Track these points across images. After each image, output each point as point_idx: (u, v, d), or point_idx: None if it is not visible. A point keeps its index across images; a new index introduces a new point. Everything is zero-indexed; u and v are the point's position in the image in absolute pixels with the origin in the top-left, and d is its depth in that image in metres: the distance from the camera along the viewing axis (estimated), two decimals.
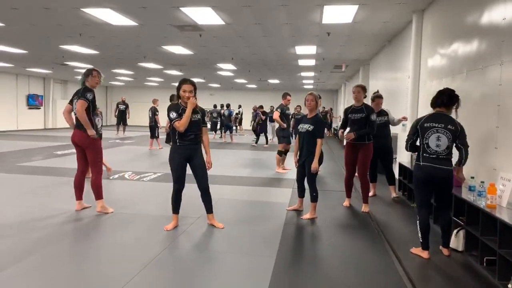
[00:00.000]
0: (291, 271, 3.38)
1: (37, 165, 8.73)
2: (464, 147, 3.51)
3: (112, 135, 17.21)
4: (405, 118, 6.38)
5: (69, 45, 10.79)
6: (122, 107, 17.29)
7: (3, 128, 19.22)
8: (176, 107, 4.20)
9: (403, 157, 6.89)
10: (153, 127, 12.19)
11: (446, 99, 3.56)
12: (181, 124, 4.09)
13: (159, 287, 3.05)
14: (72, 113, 4.99)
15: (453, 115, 3.60)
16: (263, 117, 15.04)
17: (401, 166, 6.24)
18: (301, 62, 13.34)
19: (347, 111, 5.42)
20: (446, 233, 3.70)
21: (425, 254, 3.61)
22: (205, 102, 22.84)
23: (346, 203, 5.56)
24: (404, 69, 7.61)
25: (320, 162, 4.76)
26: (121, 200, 5.59)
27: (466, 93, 4.32)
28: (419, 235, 3.64)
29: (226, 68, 15.48)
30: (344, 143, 5.94)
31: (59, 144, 13.08)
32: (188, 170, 4.29)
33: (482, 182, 3.49)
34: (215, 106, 18.24)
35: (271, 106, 16.84)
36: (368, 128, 5.14)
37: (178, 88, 4.19)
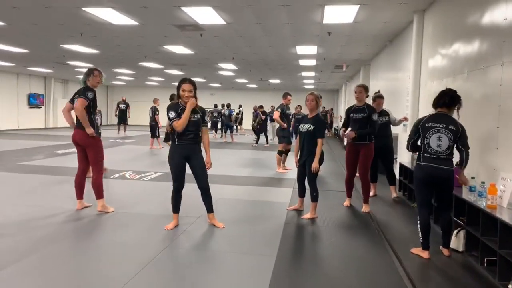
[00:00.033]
0: (292, 270, 3.39)
1: (38, 164, 8.74)
2: (465, 148, 3.50)
3: (113, 134, 17.22)
4: (406, 119, 6.38)
5: (70, 44, 10.80)
6: (122, 106, 17.29)
7: (4, 127, 19.24)
8: (176, 106, 4.20)
9: (403, 157, 6.89)
10: (154, 126, 12.20)
11: (448, 100, 3.56)
12: (179, 124, 4.09)
13: (159, 286, 3.05)
14: (72, 112, 4.99)
15: (454, 115, 3.60)
16: (263, 117, 15.04)
17: (401, 166, 6.24)
18: (302, 62, 13.34)
19: (348, 110, 5.41)
20: (446, 233, 3.70)
21: (425, 254, 3.61)
22: (206, 101, 22.86)
23: (346, 203, 5.56)
24: (405, 69, 7.61)
25: (320, 162, 4.76)
26: (121, 199, 5.60)
27: (467, 93, 4.32)
28: (420, 235, 3.64)
29: (227, 68, 15.48)
30: (345, 143, 5.94)
31: (60, 143, 13.09)
32: (188, 170, 4.29)
33: (483, 182, 3.49)
34: (215, 105, 18.24)
35: (272, 106, 16.84)
36: (370, 128, 5.14)
37: (178, 88, 4.19)
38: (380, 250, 3.88)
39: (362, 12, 6.90)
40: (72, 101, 4.94)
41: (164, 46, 10.83)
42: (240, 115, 20.24)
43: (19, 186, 6.45)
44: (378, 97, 6.11)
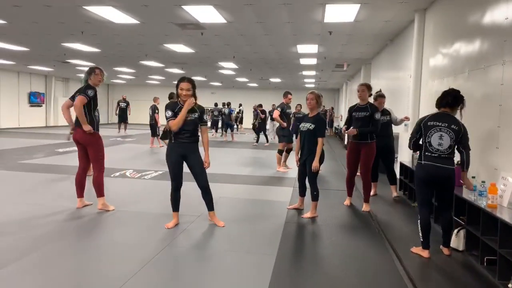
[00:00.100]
0: (292, 269, 3.39)
1: (38, 162, 8.75)
2: (465, 150, 3.50)
3: (114, 133, 17.23)
4: (407, 118, 6.38)
5: (71, 43, 10.80)
6: (123, 105, 17.30)
7: (5, 125, 19.26)
8: (174, 105, 4.20)
9: (404, 156, 6.89)
10: (154, 125, 12.21)
11: (451, 100, 3.56)
12: (174, 124, 4.10)
13: (159, 285, 3.06)
14: (72, 110, 4.99)
15: (457, 115, 3.59)
16: (263, 116, 15.03)
17: (402, 166, 6.24)
18: (303, 61, 13.33)
19: (351, 109, 5.41)
20: (447, 232, 3.71)
21: (425, 254, 3.61)
22: (207, 100, 22.84)
23: (347, 202, 5.56)
24: (406, 69, 7.60)
25: (321, 161, 4.76)
26: (122, 198, 5.60)
27: (468, 92, 4.30)
28: (420, 234, 3.64)
29: (228, 67, 15.48)
30: (346, 142, 5.94)
31: (60, 142, 13.10)
32: (187, 169, 4.29)
33: (483, 181, 3.49)
34: (216, 104, 18.23)
35: (273, 104, 16.83)
36: (372, 126, 5.13)
37: (177, 86, 4.19)
38: (380, 249, 3.88)
39: (363, 11, 6.89)
40: (73, 98, 4.94)
41: (164, 45, 10.83)
42: (240, 114, 20.23)
43: (20, 185, 6.46)
44: (380, 96, 6.10)
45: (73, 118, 4.93)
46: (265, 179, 7.50)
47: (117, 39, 10.11)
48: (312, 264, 3.50)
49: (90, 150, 4.86)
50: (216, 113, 17.51)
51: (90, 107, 4.81)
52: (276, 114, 8.26)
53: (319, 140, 4.73)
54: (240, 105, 20.22)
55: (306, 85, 23.16)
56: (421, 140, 3.68)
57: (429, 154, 3.55)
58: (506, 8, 3.82)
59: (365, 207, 5.28)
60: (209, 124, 19.12)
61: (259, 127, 15.03)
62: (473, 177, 3.79)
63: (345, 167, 5.76)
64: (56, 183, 6.61)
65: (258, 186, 6.84)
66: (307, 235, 4.37)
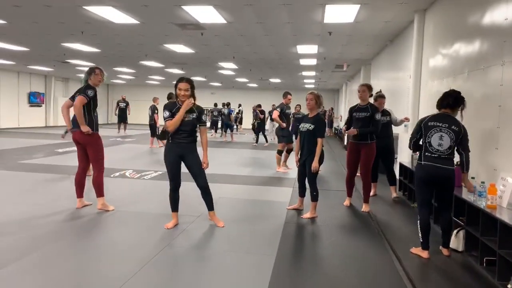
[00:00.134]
0: (291, 270, 3.39)
1: (38, 162, 8.75)
2: (465, 152, 3.51)
3: (113, 133, 17.23)
4: (407, 119, 6.38)
5: (70, 43, 10.80)
6: (122, 105, 17.30)
7: (5, 125, 19.25)
8: (172, 106, 4.21)
9: (403, 157, 6.89)
10: (153, 125, 12.22)
11: (451, 101, 3.57)
12: (170, 124, 4.11)
13: (159, 285, 3.06)
14: (71, 111, 4.99)
15: (458, 116, 3.60)
16: (262, 116, 15.02)
17: (401, 166, 6.24)
18: (303, 62, 13.33)
19: (352, 109, 5.41)
20: (446, 233, 3.71)
21: (425, 254, 3.61)
22: (206, 101, 22.82)
23: (346, 202, 5.56)
24: (406, 69, 7.61)
25: (320, 161, 4.76)
26: (121, 198, 5.60)
27: (467, 93, 4.30)
28: (420, 234, 3.64)
29: (228, 67, 15.48)
30: (345, 142, 5.94)
31: (60, 142, 13.09)
32: (187, 169, 4.29)
33: (483, 182, 3.49)
34: (215, 104, 18.23)
35: (273, 105, 16.83)
36: (372, 127, 5.13)
37: (175, 87, 4.20)
38: (380, 250, 3.88)
39: (363, 11, 6.90)
40: (73, 98, 4.94)
41: (164, 45, 10.83)
42: (240, 115, 20.23)
43: (20, 185, 6.45)
44: (380, 96, 6.10)
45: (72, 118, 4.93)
46: (264, 180, 7.50)
47: (117, 39, 10.12)
48: (312, 264, 3.50)
49: (90, 150, 4.86)
50: (215, 113, 17.51)
51: (90, 107, 4.81)
52: (275, 114, 8.26)
53: (319, 140, 4.73)
54: (240, 105, 20.22)
55: (306, 86, 23.17)
56: (421, 140, 3.69)
57: (429, 154, 3.56)
58: (506, 9, 3.82)
59: (364, 208, 5.28)
60: (208, 124, 19.14)
61: (258, 128, 15.03)
62: (473, 178, 3.79)
63: (345, 167, 5.77)
64: (55, 183, 6.61)
65: (258, 187, 6.84)
66: (306, 236, 4.37)
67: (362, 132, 5.15)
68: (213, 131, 18.15)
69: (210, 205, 4.45)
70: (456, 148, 3.54)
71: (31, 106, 21.03)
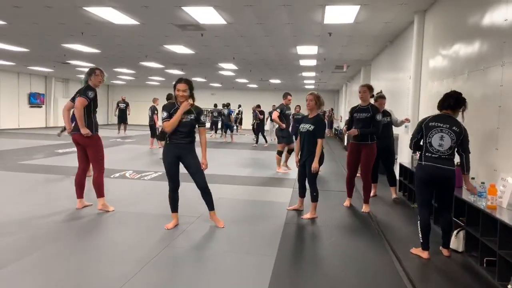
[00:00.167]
0: (291, 270, 3.39)
1: (38, 163, 8.75)
2: (465, 153, 3.51)
3: (113, 134, 17.23)
4: (407, 120, 6.37)
5: (71, 43, 10.81)
6: (122, 105, 17.31)
7: (5, 126, 19.25)
8: (170, 106, 4.22)
9: (403, 157, 6.89)
10: (153, 126, 12.23)
11: (453, 102, 3.58)
12: (167, 126, 4.12)
13: (159, 286, 3.06)
14: (71, 111, 4.99)
15: (459, 118, 3.60)
16: (261, 117, 15.03)
17: (401, 167, 6.24)
18: (303, 62, 13.34)
19: (353, 110, 5.41)
20: (446, 233, 3.71)
21: (425, 255, 3.61)
22: (206, 101, 22.82)
23: (346, 203, 5.56)
24: (406, 70, 7.61)
25: (320, 162, 4.77)
26: (122, 198, 5.60)
27: (467, 94, 4.30)
28: (420, 235, 3.64)
29: (228, 68, 15.49)
30: (345, 143, 5.94)
31: (60, 143, 13.09)
32: (186, 170, 4.29)
33: (483, 183, 3.49)
34: (215, 105, 18.24)
35: (273, 105, 16.84)
36: (373, 127, 5.13)
37: (174, 88, 4.20)
38: (380, 250, 3.88)
39: (363, 12, 6.90)
40: (73, 99, 4.94)
41: (164, 46, 10.84)
42: (240, 115, 20.23)
43: (20, 185, 6.46)
44: (380, 97, 6.09)
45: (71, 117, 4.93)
46: (264, 180, 7.50)
47: (117, 40, 10.12)
48: (312, 265, 3.50)
49: (90, 151, 4.86)
50: (215, 114, 17.52)
51: (90, 108, 4.81)
52: (275, 115, 8.26)
53: (319, 141, 4.73)
54: (239, 106, 20.22)
55: (306, 86, 23.17)
56: (422, 141, 3.69)
57: (430, 155, 3.56)
58: (506, 10, 3.83)
59: (364, 208, 5.28)
60: (208, 125, 19.15)
61: (257, 128, 15.03)
62: (473, 178, 3.79)
63: (345, 168, 5.76)
64: (55, 184, 6.61)
65: (258, 187, 6.84)
66: (306, 236, 4.37)
67: (363, 133, 5.14)
68: (213, 131, 18.15)
69: (210, 205, 4.44)
70: (456, 149, 3.54)
71: (31, 107, 21.03)
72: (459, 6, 5.15)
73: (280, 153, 8.43)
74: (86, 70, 5.00)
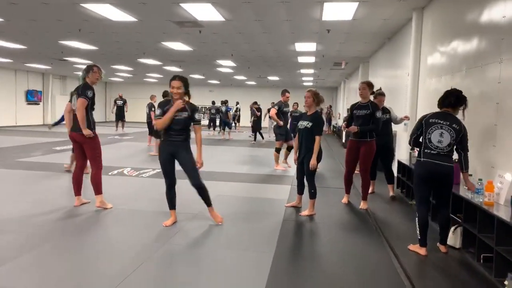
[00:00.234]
0: (290, 267, 3.40)
1: (36, 160, 8.73)
2: (464, 152, 3.53)
3: (111, 131, 17.20)
4: (407, 118, 6.37)
5: (68, 40, 10.76)
6: (119, 103, 17.27)
7: (2, 123, 19.18)
8: (165, 104, 4.22)
9: (402, 154, 6.90)
10: (151, 123, 12.20)
11: (453, 100, 3.58)
12: (159, 123, 4.13)
13: (157, 283, 3.06)
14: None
15: (459, 116, 3.61)
16: (258, 114, 15.00)
17: (399, 164, 6.25)
18: (301, 59, 13.32)
19: (352, 107, 5.42)
20: (444, 230, 3.72)
21: (422, 251, 3.63)
22: (205, 98, 22.82)
23: (344, 199, 5.57)
24: (404, 67, 7.61)
25: (319, 159, 4.77)
26: (120, 196, 5.60)
27: (465, 91, 4.30)
28: (417, 231, 3.65)
29: (226, 65, 15.45)
30: (344, 140, 5.94)
31: (58, 140, 13.07)
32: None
33: (480, 179, 3.50)
34: (213, 102, 18.20)
35: (272, 102, 16.82)
36: (373, 124, 5.14)
37: (169, 85, 4.20)
38: (378, 247, 3.89)
39: (361, 9, 6.89)
40: (71, 100, 4.94)
41: (162, 43, 10.80)
42: (238, 113, 20.21)
43: (18, 183, 6.44)
44: (380, 94, 6.08)
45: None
46: (263, 177, 7.50)
47: (115, 37, 10.08)
48: (310, 261, 3.51)
49: (87, 149, 4.85)
50: (213, 111, 17.49)
51: (88, 107, 4.80)
52: (273, 112, 8.25)
53: (317, 138, 4.73)
54: (237, 103, 20.20)
55: (304, 83, 23.15)
56: (421, 137, 3.70)
57: (429, 151, 3.57)
58: (504, 7, 3.83)
59: (362, 205, 5.29)
60: (206, 122, 19.12)
61: (254, 125, 15.01)
62: (470, 175, 3.80)
63: (343, 165, 5.77)
64: (53, 181, 6.59)
65: (256, 184, 6.84)
66: (305, 233, 4.38)
67: (362, 130, 5.15)
68: (212, 129, 18.12)
69: (207, 202, 4.42)
70: (455, 147, 3.55)
71: (28, 104, 20.95)
72: (457, 3, 5.15)
73: (278, 150, 8.43)
74: (84, 67, 4.99)
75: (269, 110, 14.46)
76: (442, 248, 3.71)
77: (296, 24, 8.21)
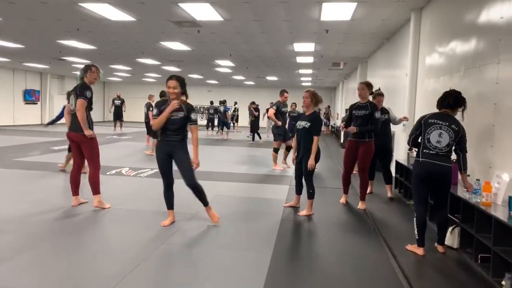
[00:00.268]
0: (288, 267, 3.40)
1: (34, 160, 8.71)
2: (462, 153, 3.54)
3: (109, 131, 17.17)
4: (406, 118, 6.38)
5: (66, 40, 10.73)
6: (117, 102, 17.25)
7: (0, 123, 19.13)
8: (162, 104, 4.22)
9: (400, 154, 6.91)
10: (149, 122, 12.19)
11: (452, 101, 3.59)
12: (155, 123, 4.14)
13: (155, 283, 3.06)
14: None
15: (458, 117, 3.62)
16: (256, 114, 14.99)
17: (397, 164, 6.26)
18: (299, 59, 13.33)
19: (351, 107, 5.42)
20: (442, 230, 3.73)
21: (420, 251, 3.64)
22: (203, 98, 22.81)
23: (342, 199, 5.57)
24: (402, 67, 7.62)
25: (317, 159, 4.77)
26: (118, 195, 5.59)
27: (463, 91, 4.31)
28: (415, 231, 3.66)
29: (224, 65, 15.45)
30: (342, 140, 5.94)
31: (55, 140, 13.04)
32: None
33: (478, 180, 3.51)
34: (211, 102, 18.20)
35: (271, 103, 16.81)
36: (372, 125, 5.15)
37: (166, 85, 4.19)
38: (375, 247, 3.90)
39: (360, 9, 6.90)
40: (68, 100, 4.94)
41: (161, 43, 10.79)
42: (236, 113, 20.21)
43: (15, 182, 6.42)
44: (378, 94, 6.09)
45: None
46: (261, 177, 7.50)
47: (113, 36, 10.07)
48: (308, 261, 3.51)
49: (85, 149, 4.84)
50: (211, 111, 17.48)
51: (87, 107, 4.79)
52: (271, 112, 8.25)
53: (315, 138, 4.73)
54: (235, 103, 20.19)
55: (303, 84, 23.16)
56: (420, 138, 3.70)
57: (427, 151, 3.58)
58: (502, 7, 3.84)
59: (361, 205, 5.30)
60: (204, 122, 19.10)
61: (252, 125, 15.01)
62: (468, 175, 3.81)
63: (341, 165, 5.77)
64: (51, 181, 6.58)
65: (254, 184, 6.84)
66: (303, 233, 4.39)
67: (361, 131, 5.15)
68: (210, 129, 18.10)
69: (203, 202, 4.39)
70: (454, 148, 3.56)
71: (26, 103, 20.89)
72: (456, 4, 5.16)
73: (276, 150, 8.43)
74: (82, 66, 4.98)
75: (267, 110, 14.53)
76: (440, 248, 3.72)
77: (294, 24, 8.22)
